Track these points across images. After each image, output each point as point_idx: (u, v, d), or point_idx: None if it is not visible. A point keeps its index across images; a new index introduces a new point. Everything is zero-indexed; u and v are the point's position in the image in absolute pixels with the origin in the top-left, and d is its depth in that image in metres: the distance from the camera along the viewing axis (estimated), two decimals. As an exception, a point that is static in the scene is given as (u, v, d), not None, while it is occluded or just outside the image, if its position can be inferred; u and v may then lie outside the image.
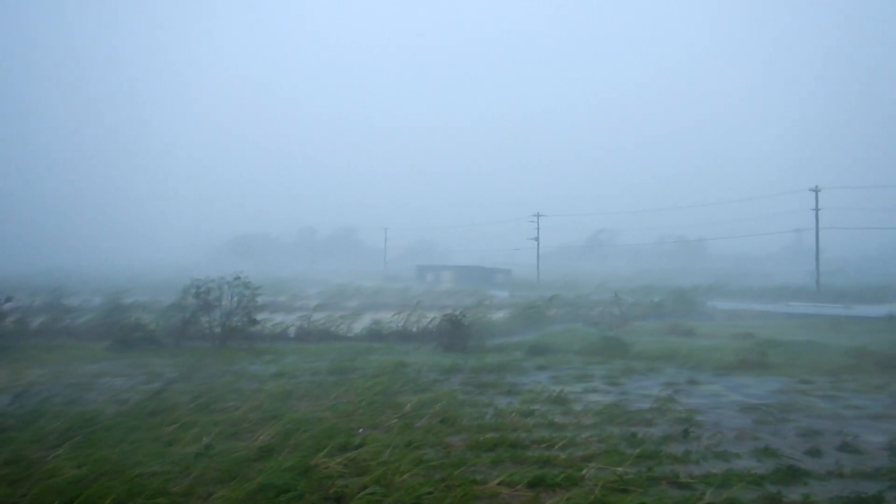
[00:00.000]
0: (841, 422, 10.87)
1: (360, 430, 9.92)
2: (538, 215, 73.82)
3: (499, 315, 28.82)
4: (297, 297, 42.49)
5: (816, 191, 54.69)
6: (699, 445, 9.31)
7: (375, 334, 23.23)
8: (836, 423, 10.71)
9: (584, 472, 7.94)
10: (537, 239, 73.88)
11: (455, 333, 20.55)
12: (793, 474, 7.96)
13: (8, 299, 22.39)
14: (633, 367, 16.61)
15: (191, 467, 7.85)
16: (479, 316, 25.36)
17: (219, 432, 9.46)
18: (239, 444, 8.93)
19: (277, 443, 8.99)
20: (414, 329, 23.64)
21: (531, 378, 15.16)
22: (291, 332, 23.78)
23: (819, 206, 54.58)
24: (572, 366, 17.07)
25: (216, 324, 21.60)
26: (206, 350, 19.92)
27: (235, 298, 21.91)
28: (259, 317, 22.34)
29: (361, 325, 24.52)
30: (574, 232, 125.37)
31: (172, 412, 10.92)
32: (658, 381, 14.90)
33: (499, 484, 7.53)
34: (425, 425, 10.22)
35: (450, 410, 11.15)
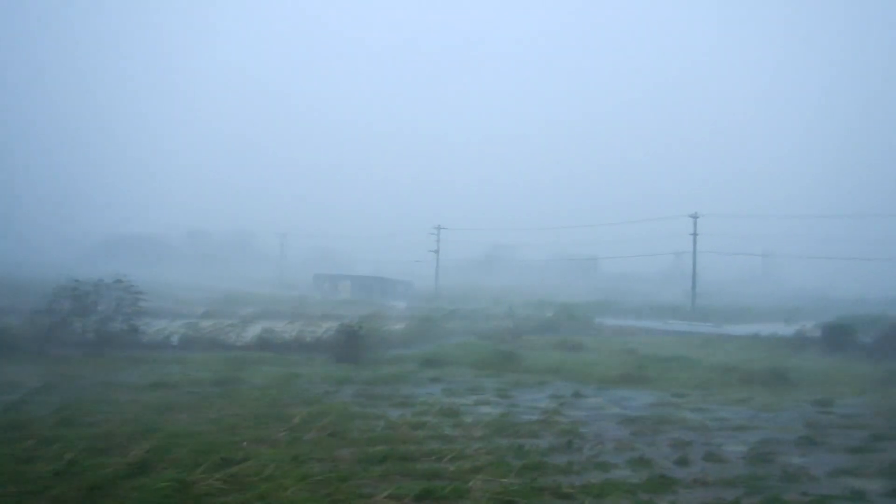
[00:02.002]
0: (708, 433, 11.71)
1: (244, 444, 9.51)
2: (439, 228, 74.68)
3: (396, 326, 28.75)
4: (182, 303, 40.30)
5: (695, 217, 59.07)
6: (581, 456, 9.71)
7: (266, 344, 22.43)
8: (704, 435, 11.53)
9: (471, 483, 8.03)
10: (437, 252, 74.67)
11: (350, 344, 20.26)
12: (663, 483, 8.47)
13: None
14: (524, 380, 17.08)
15: (50, 487, 7.18)
16: (375, 327, 25.18)
17: (85, 448, 8.73)
18: (108, 461, 8.28)
19: (152, 458, 8.42)
20: (308, 339, 23.07)
21: (424, 390, 15.22)
22: (174, 339, 22.48)
23: (697, 232, 59.00)
24: (465, 378, 17.31)
25: (90, 329, 20.02)
26: (77, 358, 18.37)
27: (114, 303, 20.44)
28: (140, 323, 20.96)
29: (252, 333, 23.59)
30: (474, 246, 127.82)
31: (31, 426, 9.98)
32: (546, 393, 15.41)
33: (386, 497, 7.46)
34: (314, 439, 9.97)
35: (340, 423, 10.96)
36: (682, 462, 9.57)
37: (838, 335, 27.82)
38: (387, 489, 7.67)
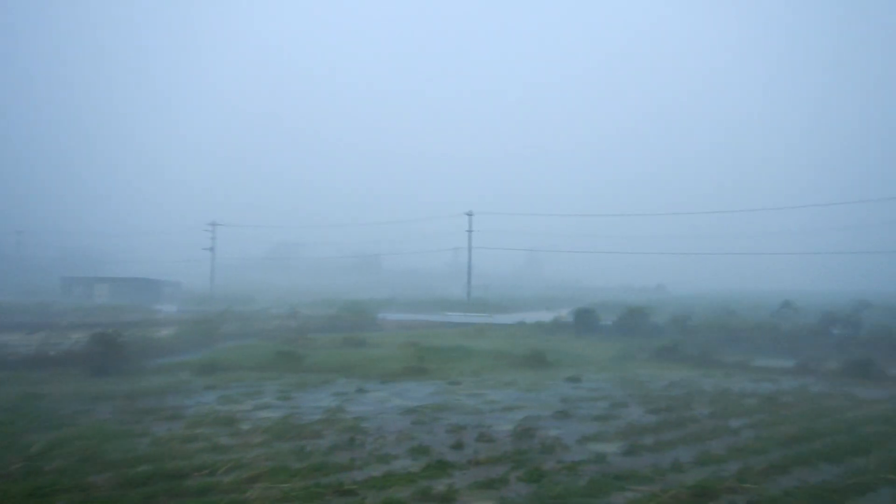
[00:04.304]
0: (480, 416, 12.60)
1: (-38, 485, 7.90)
2: (214, 224, 69.98)
3: (164, 332, 26.27)
4: None
5: (470, 215, 63.25)
6: (364, 451, 9.78)
7: (-2, 361, 18.93)
8: (477, 418, 12.39)
9: (248, 493, 7.63)
10: (212, 250, 69.92)
11: (107, 355, 18.00)
12: (440, 467, 8.90)
13: None
14: (307, 381, 16.75)
15: None
16: (139, 334, 22.73)
17: None
18: None
19: None
20: (52, 353, 19.96)
21: (198, 399, 14.12)
22: None
23: (472, 229, 63.24)
24: (245, 383, 16.43)
25: None
26: None
27: None
28: None
29: (-22, 350, 19.75)
30: (258, 243, 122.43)
31: None
32: (330, 392, 15.28)
33: (149, 522, 6.75)
34: (60, 467, 8.65)
35: (94, 446, 9.66)
36: (458, 446, 10.15)
37: (586, 319, 31.94)
38: (150, 513, 6.94)
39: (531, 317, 39.15)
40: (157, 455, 9.38)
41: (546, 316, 38.76)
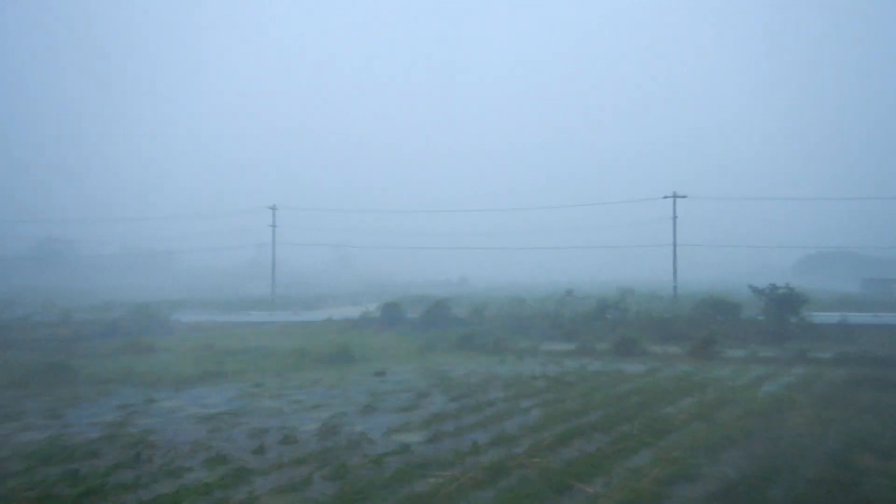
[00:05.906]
0: (284, 417, 12.16)
1: None
2: (-38, 219, 58.89)
3: None
4: None
5: (274, 209, 60.86)
6: (152, 467, 8.90)
7: None
8: (280, 420, 11.94)
9: (2, 532, 6.53)
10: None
11: None
12: (239, 476, 8.41)
13: None
14: (82, 394, 14.84)
15: None
16: None
17: None
18: None
19: None
20: None
21: (-65, 427, 11.75)
22: None
23: (276, 224, 60.92)
24: (1, 402, 14.05)
25: None
26: None
27: None
28: None
29: None
30: (17, 240, 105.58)
31: None
32: (111, 405, 13.67)
33: None
34: None
35: None
36: (260, 451, 9.68)
37: (393, 313, 32.53)
38: None
39: (339, 313, 38.86)
40: None
41: (354, 311, 38.70)
